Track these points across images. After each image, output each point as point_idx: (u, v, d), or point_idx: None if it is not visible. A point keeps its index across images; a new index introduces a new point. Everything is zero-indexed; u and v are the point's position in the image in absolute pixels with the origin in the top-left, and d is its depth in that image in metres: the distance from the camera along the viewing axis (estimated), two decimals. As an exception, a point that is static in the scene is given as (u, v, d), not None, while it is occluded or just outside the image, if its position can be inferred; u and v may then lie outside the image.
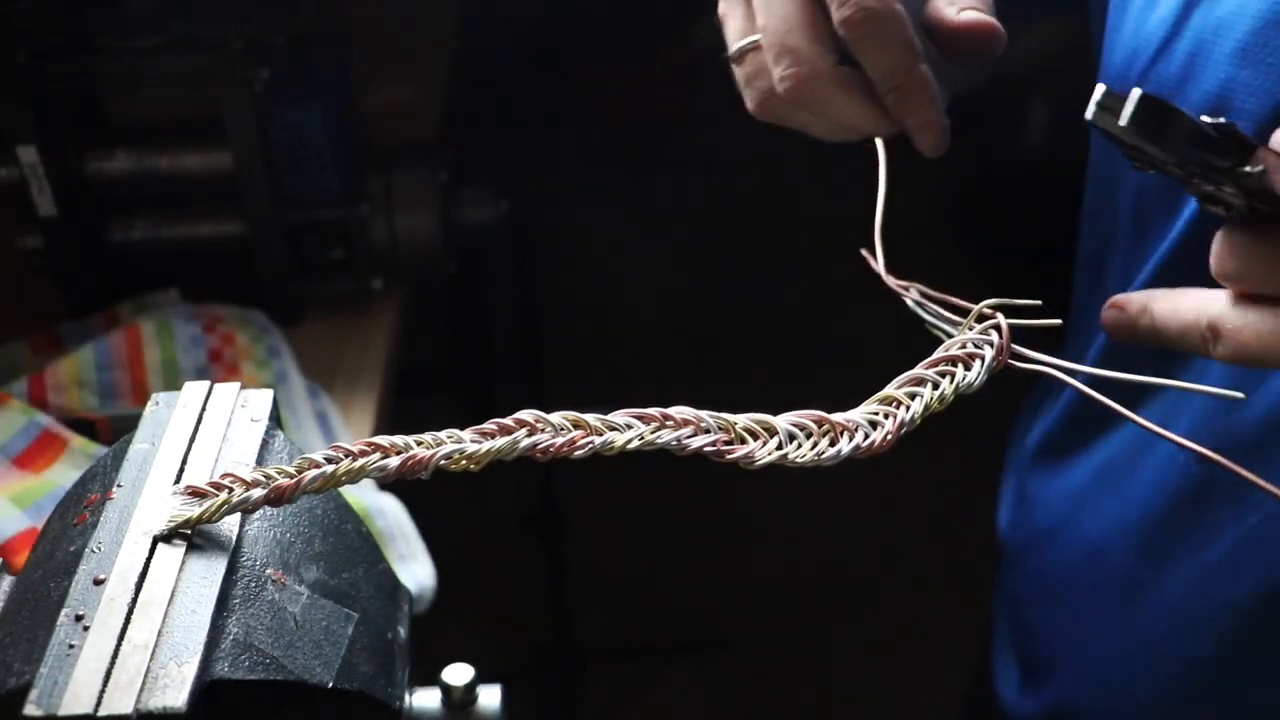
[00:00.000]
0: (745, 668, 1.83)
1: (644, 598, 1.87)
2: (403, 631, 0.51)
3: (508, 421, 0.49)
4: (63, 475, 0.87)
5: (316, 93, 1.04)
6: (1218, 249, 0.50)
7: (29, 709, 0.40)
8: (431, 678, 0.51)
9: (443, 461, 0.48)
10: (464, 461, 0.48)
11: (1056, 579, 0.82)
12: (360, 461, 0.48)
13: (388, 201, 1.08)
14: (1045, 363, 0.54)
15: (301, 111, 1.03)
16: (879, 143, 0.66)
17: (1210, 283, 0.54)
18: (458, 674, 0.50)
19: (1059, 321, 0.56)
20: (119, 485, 0.49)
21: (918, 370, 0.55)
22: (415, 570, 0.90)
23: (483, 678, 0.51)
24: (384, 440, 0.48)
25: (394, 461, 0.48)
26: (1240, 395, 0.51)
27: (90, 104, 1.07)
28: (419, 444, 0.48)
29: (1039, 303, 0.57)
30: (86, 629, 0.43)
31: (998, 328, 0.56)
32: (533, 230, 1.65)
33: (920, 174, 0.67)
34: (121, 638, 0.42)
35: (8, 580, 0.50)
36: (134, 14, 1.03)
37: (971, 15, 0.59)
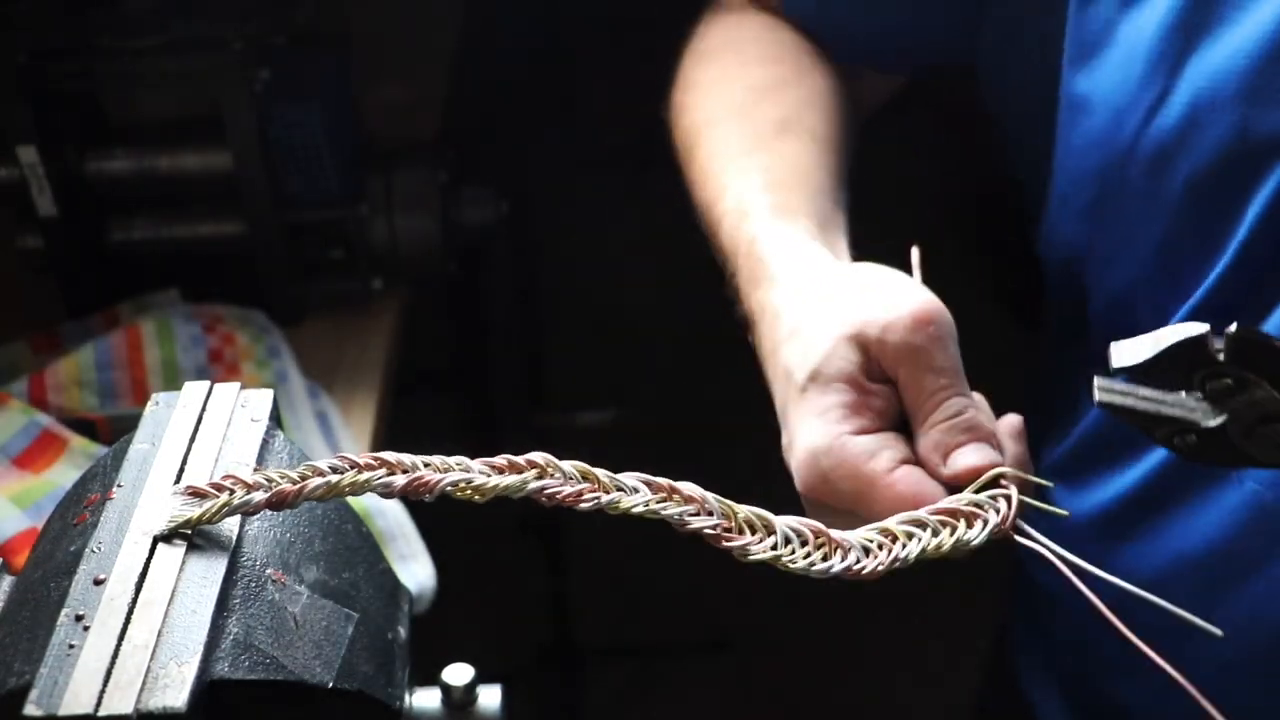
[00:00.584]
0: (745, 668, 1.83)
1: (644, 598, 1.87)
2: (403, 631, 0.52)
3: (519, 460, 0.49)
4: (63, 475, 0.87)
5: (316, 93, 1.04)
6: None
7: (29, 709, 0.40)
8: (431, 678, 0.51)
9: (449, 488, 0.48)
10: (470, 491, 0.48)
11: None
12: (366, 475, 0.48)
13: (388, 201, 1.08)
14: (1045, 545, 0.55)
15: (301, 111, 1.03)
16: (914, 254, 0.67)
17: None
18: (458, 674, 0.50)
19: (1066, 513, 0.58)
20: (119, 485, 0.49)
21: (921, 513, 0.56)
22: (415, 570, 0.90)
23: (483, 678, 0.51)
24: (392, 457, 0.48)
25: (400, 480, 0.48)
26: (1218, 632, 0.50)
27: (90, 104, 1.06)
28: (427, 466, 0.48)
29: (1051, 484, 0.58)
30: (87, 629, 0.43)
31: (1008, 499, 0.57)
32: (533, 230, 1.65)
33: (927, 183, 0.67)
34: (121, 638, 0.42)
35: (8, 580, 0.50)
36: (134, 14, 1.03)
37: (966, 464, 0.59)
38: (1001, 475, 0.57)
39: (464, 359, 1.73)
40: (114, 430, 0.93)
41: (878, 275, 0.66)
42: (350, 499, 0.55)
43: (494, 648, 1.71)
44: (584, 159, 1.63)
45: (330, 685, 0.45)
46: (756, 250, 0.72)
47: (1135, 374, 0.52)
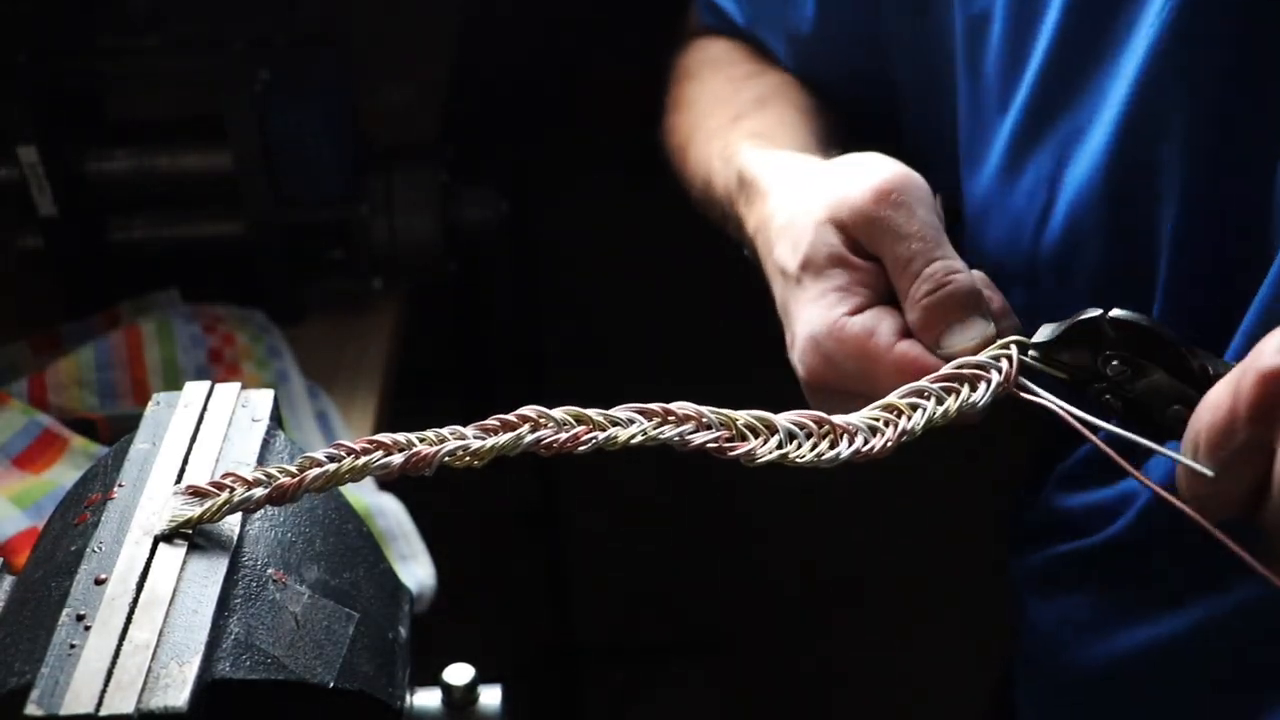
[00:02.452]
0: (745, 668, 1.83)
1: (644, 598, 1.87)
2: (403, 631, 0.52)
3: (510, 417, 0.49)
4: (63, 475, 0.87)
5: (316, 93, 1.04)
6: None
7: (30, 709, 0.40)
8: (432, 678, 0.51)
9: (446, 458, 0.48)
10: (468, 458, 0.48)
11: (1132, 670, 0.73)
12: (363, 459, 0.48)
13: (388, 201, 1.08)
14: (1048, 399, 0.55)
15: (301, 111, 1.03)
16: None
17: None
18: (458, 674, 0.50)
19: (1062, 375, 0.57)
20: (120, 485, 0.49)
21: (922, 382, 0.55)
22: (416, 570, 0.90)
23: (483, 678, 0.51)
24: (386, 438, 0.48)
25: (397, 459, 0.48)
26: (1209, 472, 0.49)
27: (90, 104, 1.06)
28: (422, 441, 0.48)
29: (1062, 330, 0.57)
30: (88, 629, 0.43)
31: (1009, 357, 0.56)
32: (533, 230, 1.65)
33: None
34: (123, 637, 0.42)
35: (8, 580, 0.50)
36: (134, 14, 1.03)
37: None
38: (1003, 340, 0.58)
39: (464, 359, 1.73)
40: (114, 430, 0.93)
41: (853, 158, 0.66)
42: (351, 499, 0.55)
43: (494, 648, 1.71)
44: (584, 159, 1.63)
45: (331, 685, 0.45)
46: (745, 176, 0.72)
47: (1051, 352, 0.56)
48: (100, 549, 0.46)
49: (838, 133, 0.82)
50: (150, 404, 0.54)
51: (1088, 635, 0.75)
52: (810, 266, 0.62)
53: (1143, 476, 0.53)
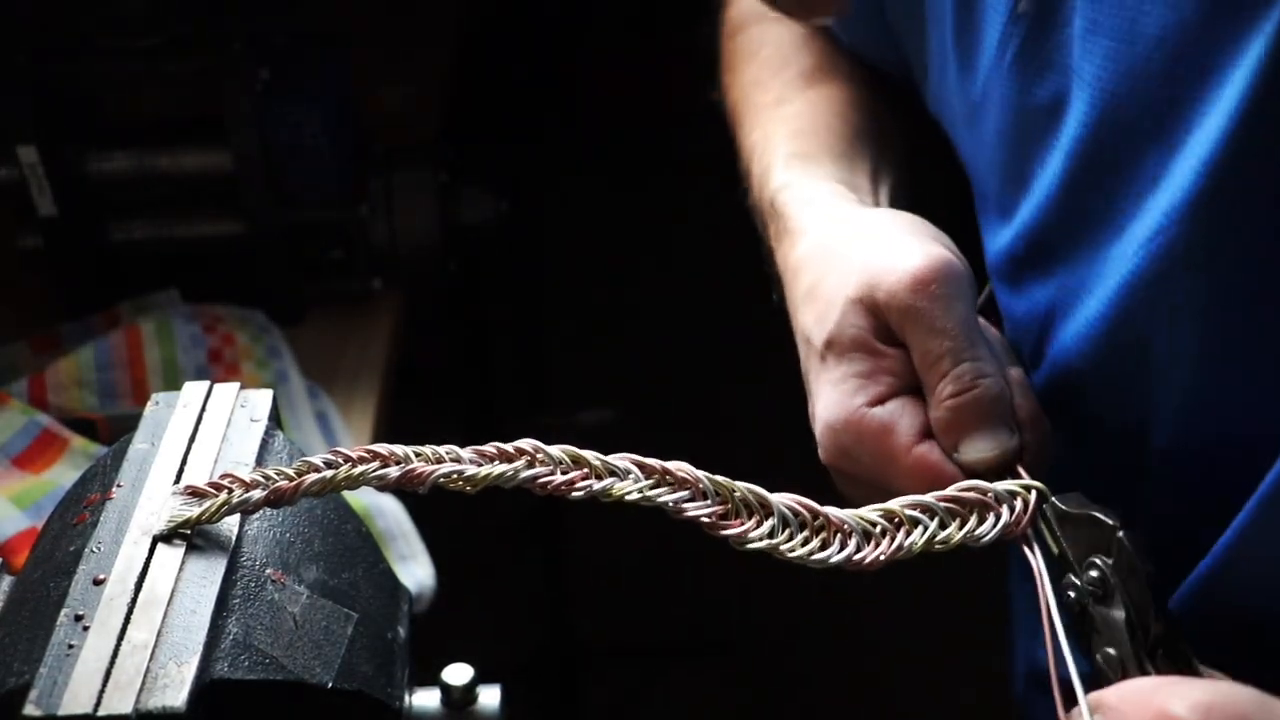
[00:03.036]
0: (745, 668, 1.83)
1: (644, 598, 1.87)
2: (403, 631, 0.51)
3: (508, 448, 0.49)
4: (63, 475, 0.87)
5: (316, 93, 1.04)
6: None
7: (29, 709, 0.40)
8: (431, 678, 0.51)
9: (440, 480, 0.48)
10: (461, 482, 0.48)
11: None
12: (360, 469, 0.48)
13: (388, 201, 1.08)
14: (1039, 567, 0.53)
15: (301, 111, 1.03)
16: None
17: None
18: (458, 674, 0.50)
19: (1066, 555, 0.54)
20: (119, 485, 0.49)
21: (929, 497, 0.53)
22: (415, 570, 0.90)
23: (483, 678, 0.51)
24: (384, 449, 0.48)
25: (393, 472, 0.48)
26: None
27: (90, 104, 1.06)
28: (419, 457, 0.48)
29: (1076, 511, 0.54)
30: (86, 629, 0.43)
31: (1026, 502, 0.54)
32: (533, 230, 1.65)
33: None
34: (121, 638, 0.42)
35: (8, 580, 0.50)
36: (134, 14, 1.03)
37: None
38: (1029, 485, 0.54)
39: (464, 359, 1.73)
40: (114, 430, 0.93)
41: (888, 226, 0.62)
42: (350, 500, 0.55)
43: (494, 648, 1.71)
44: (584, 159, 1.63)
45: (330, 685, 0.45)
46: (777, 206, 0.69)
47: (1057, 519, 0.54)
48: (99, 549, 0.46)
49: (885, 116, 0.78)
50: (149, 404, 0.54)
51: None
52: (834, 346, 0.60)
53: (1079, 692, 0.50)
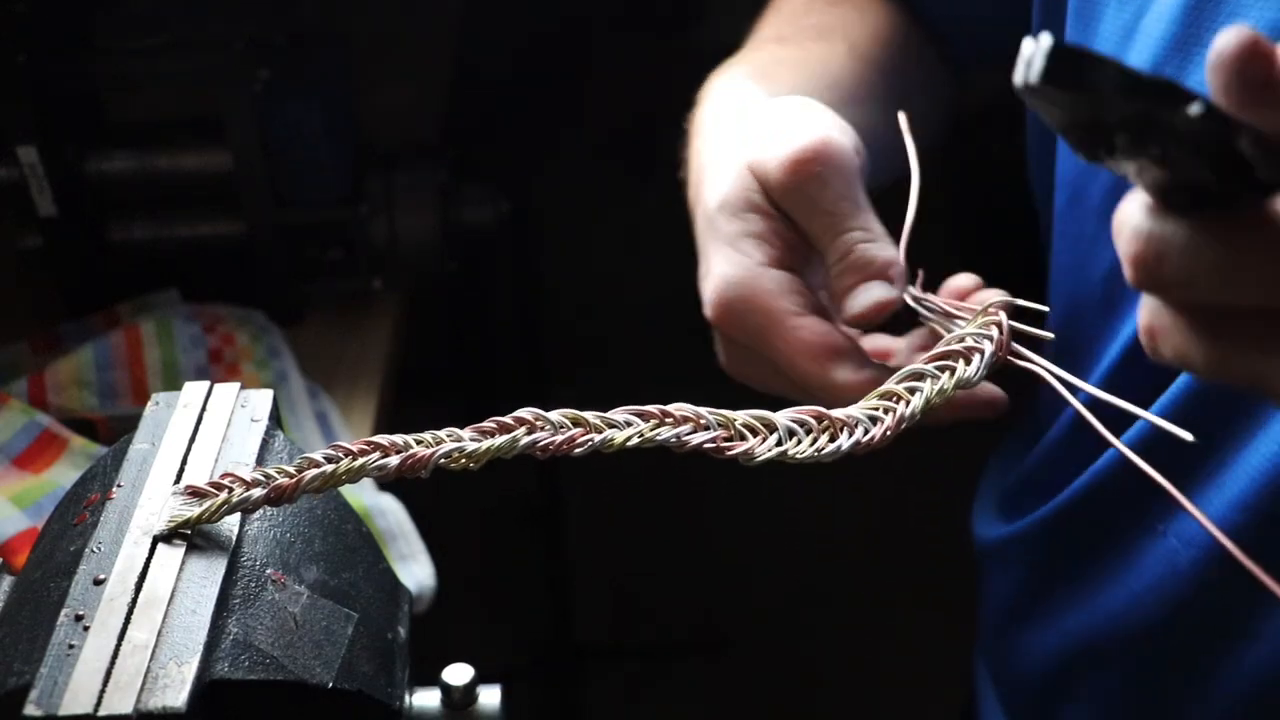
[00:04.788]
0: (745, 668, 1.83)
1: (644, 598, 1.87)
2: (403, 631, 0.51)
3: (507, 420, 0.49)
4: (63, 475, 0.87)
5: (316, 93, 1.04)
6: (1145, 240, 0.37)
7: (29, 709, 0.40)
8: (431, 678, 0.51)
9: (442, 460, 0.48)
10: (463, 460, 0.48)
11: (1079, 660, 0.70)
12: (360, 461, 0.48)
13: (388, 201, 1.08)
14: (1042, 365, 0.54)
15: (301, 111, 1.03)
16: (911, 156, 0.65)
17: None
18: (458, 674, 0.50)
19: (1051, 336, 0.56)
20: (119, 485, 0.49)
21: (917, 365, 0.54)
22: (415, 570, 0.90)
23: (483, 678, 0.51)
24: (383, 439, 0.48)
25: (394, 460, 0.48)
26: (1189, 436, 0.44)
27: (90, 104, 1.06)
28: (418, 443, 0.48)
29: (1045, 308, 0.56)
30: (86, 629, 0.43)
31: (999, 324, 0.55)
32: (533, 230, 1.65)
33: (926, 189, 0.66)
34: (121, 638, 0.42)
35: (8, 580, 0.50)
36: (134, 14, 1.03)
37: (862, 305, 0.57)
38: (992, 306, 0.56)
39: (464, 359, 1.73)
40: (114, 430, 0.93)
41: (789, 106, 0.63)
42: (350, 499, 0.55)
43: (494, 648, 1.71)
44: (584, 158, 1.63)
45: (330, 685, 0.45)
46: (700, 113, 0.70)
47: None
48: (99, 549, 0.46)
49: (903, 86, 0.77)
50: (149, 404, 0.54)
51: (1026, 616, 0.74)
52: (728, 206, 0.61)
53: (1122, 446, 0.51)
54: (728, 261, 0.60)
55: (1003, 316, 0.56)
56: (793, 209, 0.59)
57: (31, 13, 1.00)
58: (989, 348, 0.54)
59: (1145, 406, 0.51)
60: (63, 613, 0.43)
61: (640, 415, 0.50)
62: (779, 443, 0.51)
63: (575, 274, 1.79)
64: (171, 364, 0.99)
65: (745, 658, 1.84)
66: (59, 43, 1.01)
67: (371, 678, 0.47)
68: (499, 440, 0.48)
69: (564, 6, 1.51)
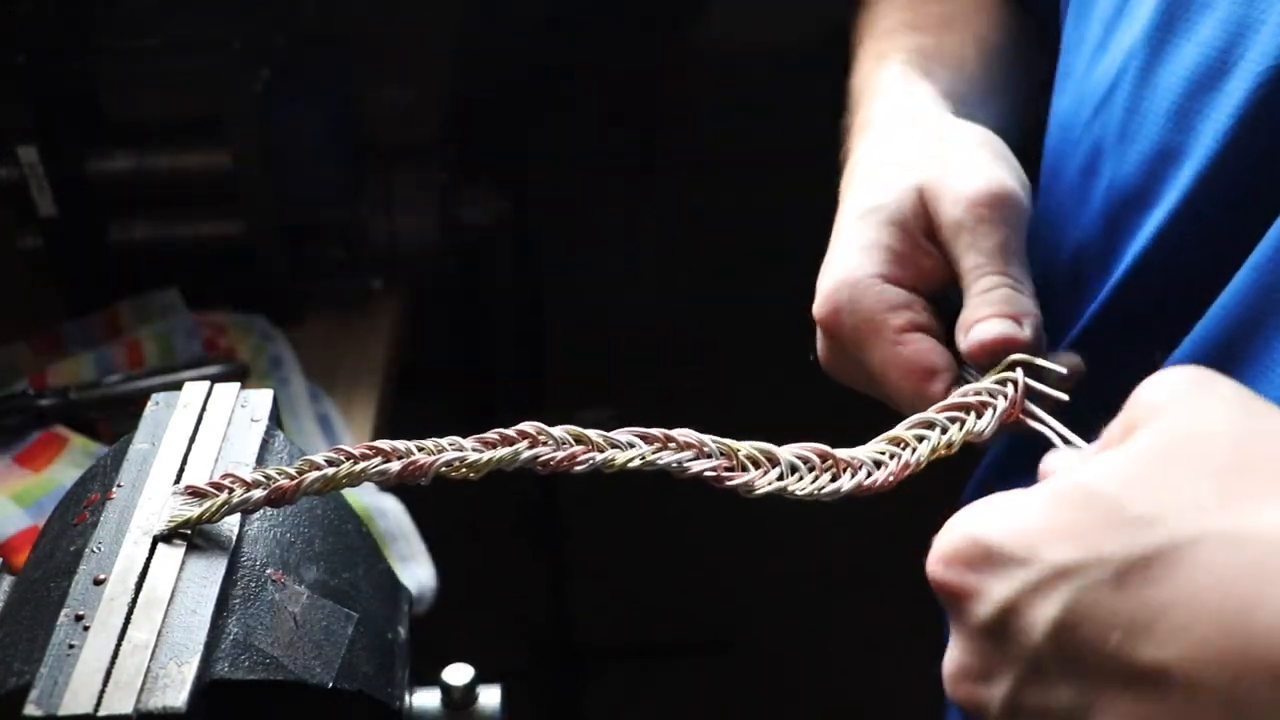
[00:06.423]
0: (745, 668, 1.83)
1: (644, 598, 1.87)
2: (403, 631, 0.52)
3: (510, 432, 0.49)
4: (63, 474, 0.87)
5: (316, 93, 1.04)
6: None
7: (29, 709, 0.40)
8: (431, 678, 0.51)
9: (443, 469, 0.48)
10: (464, 469, 0.48)
11: None
12: (361, 465, 0.48)
13: (388, 201, 1.08)
14: (1054, 427, 0.53)
15: (301, 111, 1.03)
16: None
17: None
18: (458, 674, 0.50)
19: (1066, 399, 0.55)
20: (119, 485, 0.49)
21: (929, 413, 0.54)
22: (415, 570, 0.90)
23: (483, 678, 0.51)
24: (385, 444, 0.48)
25: (395, 466, 0.48)
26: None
27: (90, 104, 1.07)
28: (420, 450, 0.48)
29: (1064, 370, 0.55)
30: (86, 629, 0.43)
31: (1015, 381, 0.55)
32: (533, 230, 1.65)
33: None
34: (121, 638, 0.42)
35: (8, 580, 0.50)
36: (134, 14, 1.03)
37: (985, 334, 0.57)
38: (1013, 363, 0.56)
39: (464, 359, 1.73)
40: (114, 430, 0.93)
41: (973, 139, 0.64)
42: (351, 500, 0.55)
43: (494, 648, 1.71)
44: (584, 159, 1.63)
45: (330, 685, 0.45)
46: (873, 88, 0.70)
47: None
48: (99, 549, 0.46)
49: (1018, 79, 0.78)
50: (150, 404, 0.54)
51: None
52: (878, 213, 0.61)
53: None
54: (849, 264, 0.60)
55: (1019, 374, 0.55)
56: (953, 242, 0.59)
57: (31, 13, 1.00)
58: (1002, 404, 0.54)
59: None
60: (63, 613, 0.43)
61: (643, 438, 0.50)
62: (780, 477, 0.51)
63: (575, 273, 1.79)
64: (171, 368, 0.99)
65: (745, 658, 1.84)
66: (59, 43, 1.01)
67: (371, 678, 0.47)
68: (501, 452, 0.48)
69: (565, 6, 1.51)
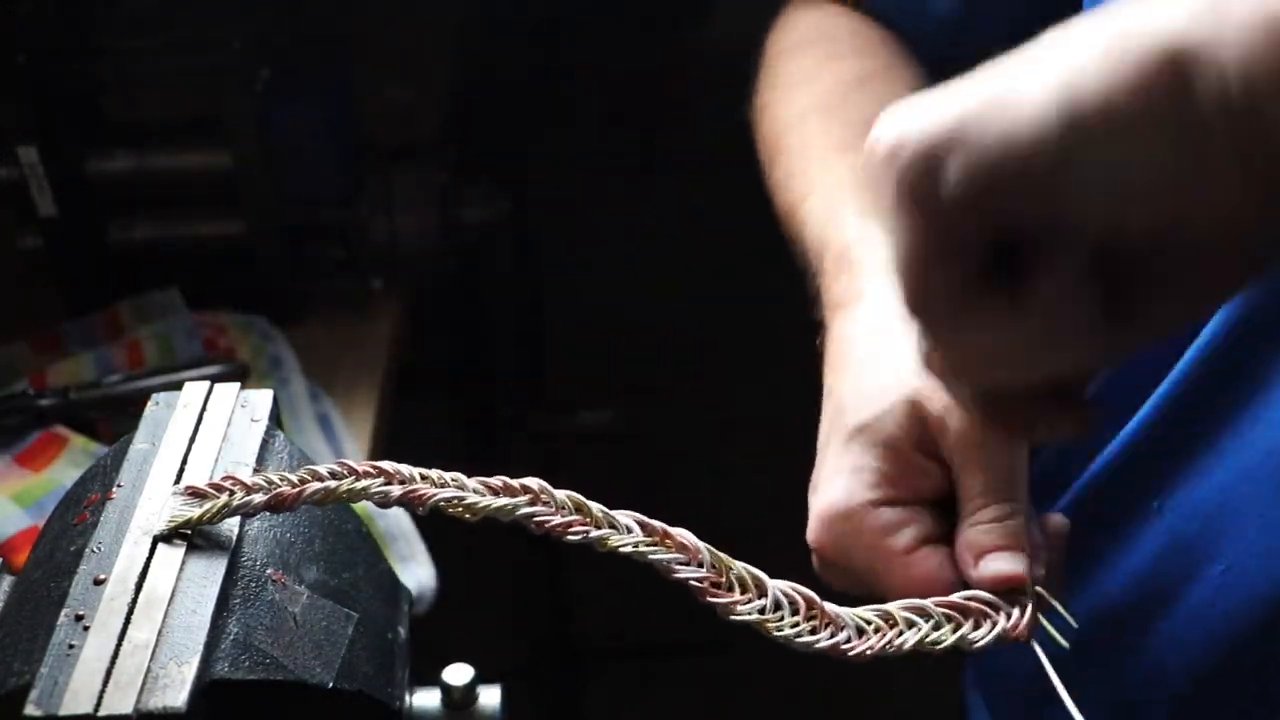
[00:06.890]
0: (745, 668, 1.83)
1: (644, 598, 1.86)
2: (403, 631, 0.51)
3: (514, 483, 0.49)
4: (63, 473, 0.87)
5: (316, 93, 1.04)
6: None
7: (29, 709, 0.40)
8: (431, 678, 0.51)
9: (441, 503, 0.48)
10: (461, 509, 0.48)
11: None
12: (364, 483, 0.48)
13: (388, 201, 1.08)
14: (1049, 669, 0.52)
15: (301, 111, 1.03)
16: None
17: None
18: (458, 674, 0.50)
19: (1066, 645, 0.53)
20: (119, 485, 0.49)
21: (928, 602, 0.53)
22: (415, 570, 0.90)
23: (483, 678, 0.51)
24: (390, 466, 0.48)
25: (395, 490, 0.48)
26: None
27: (90, 104, 1.07)
28: (424, 478, 0.49)
29: (1074, 622, 0.54)
30: (86, 629, 0.43)
31: (1024, 607, 0.53)
32: (533, 230, 1.65)
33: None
34: (121, 638, 0.42)
35: (8, 580, 0.50)
36: (134, 14, 1.03)
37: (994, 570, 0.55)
38: (1027, 586, 0.53)
39: (464, 359, 1.73)
40: (114, 430, 0.93)
41: None
42: (350, 499, 0.55)
43: (494, 648, 1.71)
44: (584, 159, 1.63)
45: (330, 685, 0.45)
46: (848, 256, 0.66)
47: None
48: (99, 549, 0.46)
49: None
50: (150, 404, 0.54)
51: None
52: (867, 433, 0.57)
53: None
54: (840, 493, 0.57)
55: (1030, 603, 0.53)
56: (957, 458, 0.56)
57: (31, 13, 1.00)
58: (1004, 624, 0.52)
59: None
60: (63, 613, 0.43)
61: (643, 526, 0.50)
62: (762, 610, 0.51)
63: (575, 274, 1.79)
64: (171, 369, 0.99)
65: (745, 658, 1.83)
66: (59, 43, 1.01)
67: (371, 678, 0.47)
68: (500, 501, 0.48)
69: (565, 7, 1.51)
